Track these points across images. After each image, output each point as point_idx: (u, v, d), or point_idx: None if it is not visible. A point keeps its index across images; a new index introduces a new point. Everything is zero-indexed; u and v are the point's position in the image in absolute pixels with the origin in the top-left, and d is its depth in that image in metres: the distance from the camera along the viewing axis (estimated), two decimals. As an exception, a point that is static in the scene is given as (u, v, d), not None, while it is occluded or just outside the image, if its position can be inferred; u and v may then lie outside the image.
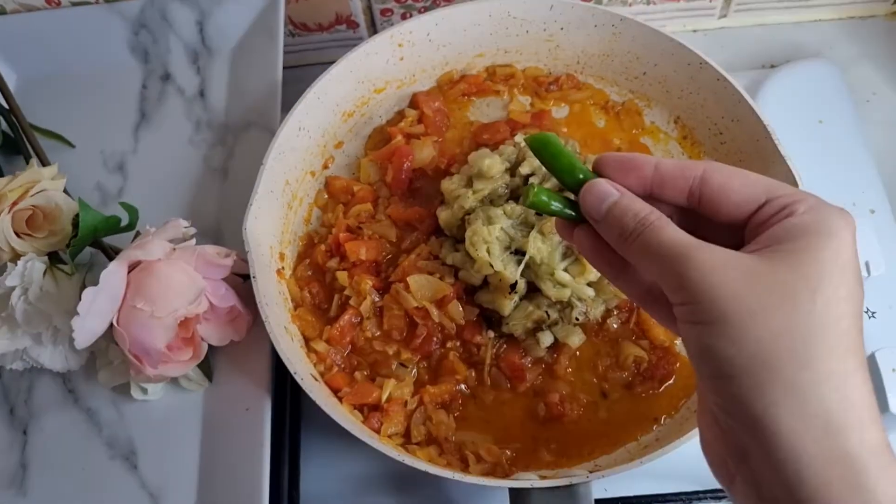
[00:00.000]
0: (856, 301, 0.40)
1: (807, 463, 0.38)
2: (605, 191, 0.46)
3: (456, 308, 0.71)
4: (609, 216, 0.46)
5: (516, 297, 0.70)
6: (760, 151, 0.74)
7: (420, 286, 0.71)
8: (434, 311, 0.71)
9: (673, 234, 0.43)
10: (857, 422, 0.38)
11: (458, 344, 0.72)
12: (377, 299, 0.73)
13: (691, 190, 0.45)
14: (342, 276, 0.73)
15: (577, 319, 0.70)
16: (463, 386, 0.71)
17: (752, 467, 0.40)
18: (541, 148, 0.48)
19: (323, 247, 0.76)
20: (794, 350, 0.38)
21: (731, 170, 0.45)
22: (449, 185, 0.74)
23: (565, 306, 0.70)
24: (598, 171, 0.47)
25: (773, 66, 0.96)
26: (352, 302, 0.72)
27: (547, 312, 0.70)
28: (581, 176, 0.47)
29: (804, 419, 0.38)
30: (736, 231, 0.44)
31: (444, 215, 0.74)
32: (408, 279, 0.71)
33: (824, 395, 0.38)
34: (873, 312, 0.77)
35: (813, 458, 0.38)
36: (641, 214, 0.44)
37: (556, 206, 0.48)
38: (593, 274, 0.69)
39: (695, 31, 1.00)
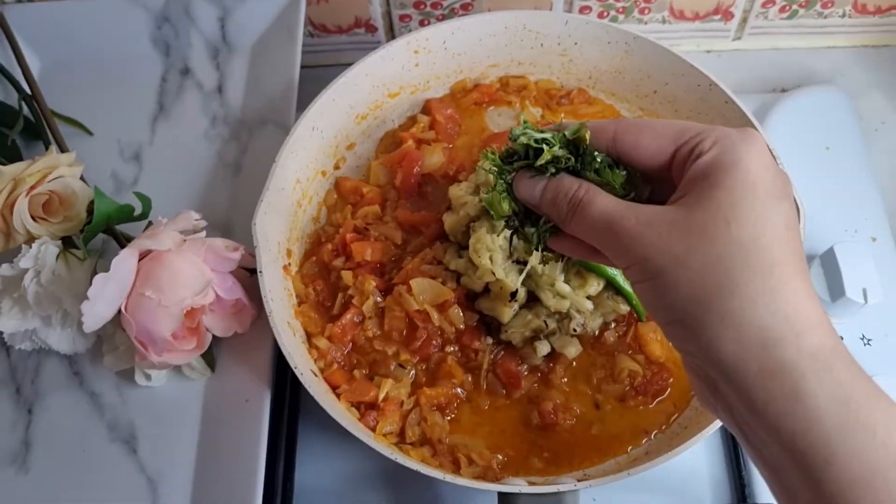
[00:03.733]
0: (773, 215, 0.42)
1: (752, 381, 0.40)
2: (531, 180, 0.50)
3: (456, 313, 0.72)
4: (543, 201, 0.49)
5: (516, 306, 0.71)
6: (764, 175, 0.74)
7: (422, 289, 0.72)
8: (435, 315, 0.72)
9: (601, 206, 0.46)
10: (790, 332, 0.40)
11: (456, 348, 0.73)
12: (380, 300, 0.74)
13: (609, 152, 0.48)
14: (347, 276, 0.75)
15: (574, 331, 0.72)
16: (459, 390, 0.72)
17: (722, 395, 0.43)
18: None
19: (330, 246, 0.77)
20: (720, 281, 0.41)
21: (639, 125, 0.47)
22: (456, 191, 0.76)
23: (563, 317, 0.71)
24: None
25: (784, 91, 0.97)
26: (355, 301, 0.74)
27: (545, 322, 0.71)
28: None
29: (742, 342, 0.40)
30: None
31: (449, 221, 0.75)
32: (410, 282, 0.72)
33: (756, 316, 0.40)
34: (869, 340, 0.78)
35: (756, 375, 0.40)
36: (571, 192, 0.47)
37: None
38: (593, 287, 0.70)
39: (708, 51, 1.01)
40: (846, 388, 0.39)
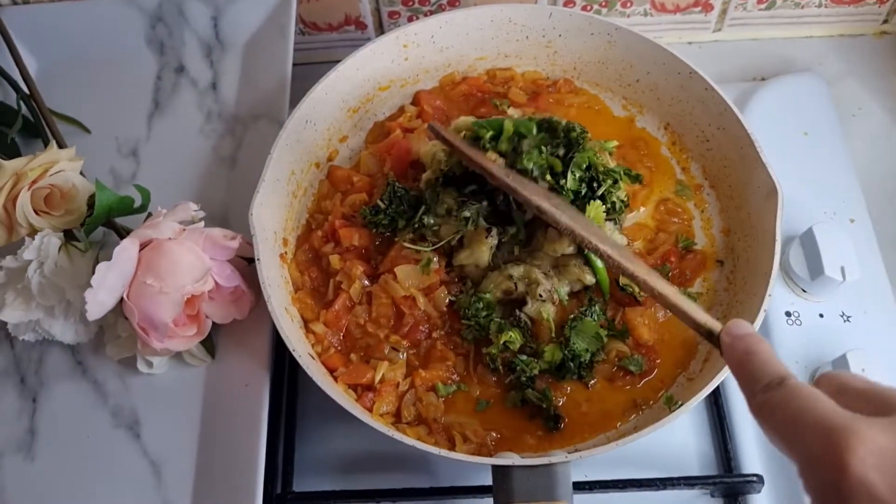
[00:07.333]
0: None
1: None
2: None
3: (442, 296, 0.74)
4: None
5: (493, 241, 0.73)
6: (744, 159, 0.77)
7: (407, 275, 0.74)
8: (421, 299, 0.74)
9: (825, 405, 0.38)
10: None
11: (444, 333, 0.75)
12: (367, 283, 0.76)
13: None
14: (335, 260, 0.76)
15: (540, 296, 0.73)
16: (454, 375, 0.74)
17: None
18: None
19: (320, 232, 0.79)
20: None
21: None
22: (428, 148, 0.77)
23: (531, 282, 0.73)
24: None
25: (763, 79, 1.00)
26: (343, 286, 0.76)
27: (515, 284, 0.73)
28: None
29: None
30: None
31: (425, 177, 0.77)
32: (395, 269, 0.74)
33: None
34: (848, 316, 0.80)
35: None
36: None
37: None
38: (565, 246, 0.72)
39: (690, 42, 1.04)
40: None
